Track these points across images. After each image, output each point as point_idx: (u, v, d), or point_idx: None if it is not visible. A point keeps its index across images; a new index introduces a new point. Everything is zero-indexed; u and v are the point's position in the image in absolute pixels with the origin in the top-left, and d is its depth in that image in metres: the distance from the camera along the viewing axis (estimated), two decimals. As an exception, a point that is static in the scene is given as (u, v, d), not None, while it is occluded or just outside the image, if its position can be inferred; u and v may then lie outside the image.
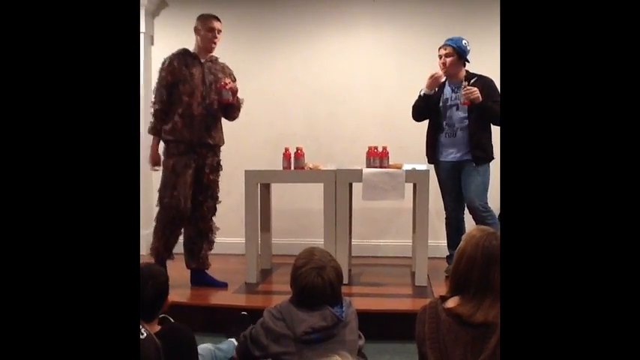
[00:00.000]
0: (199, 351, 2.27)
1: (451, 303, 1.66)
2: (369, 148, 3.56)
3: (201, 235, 3.45)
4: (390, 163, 3.53)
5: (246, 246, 3.59)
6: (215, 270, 3.67)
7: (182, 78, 3.30)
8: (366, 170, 3.46)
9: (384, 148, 3.53)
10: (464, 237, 1.74)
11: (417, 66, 4.46)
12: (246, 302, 3.23)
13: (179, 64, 3.32)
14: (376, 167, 3.49)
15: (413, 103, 3.64)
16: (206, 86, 3.34)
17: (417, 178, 3.45)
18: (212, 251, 3.53)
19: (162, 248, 3.36)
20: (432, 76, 3.50)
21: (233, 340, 2.48)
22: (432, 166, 3.68)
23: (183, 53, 3.38)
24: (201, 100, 3.32)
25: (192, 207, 3.38)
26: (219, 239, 3.55)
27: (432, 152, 3.65)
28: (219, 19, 3.38)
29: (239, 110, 3.50)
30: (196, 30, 3.38)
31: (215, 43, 3.38)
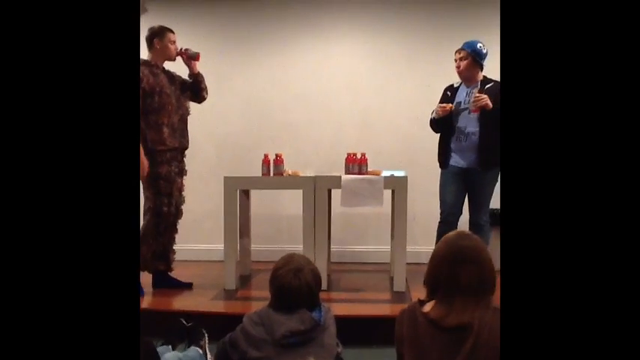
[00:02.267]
0: None
1: (428, 307, 1.67)
2: (348, 154, 3.58)
3: (174, 238, 3.51)
4: (369, 169, 3.55)
5: (225, 252, 3.57)
6: (193, 276, 3.65)
7: (158, 88, 3.34)
8: (345, 177, 3.48)
9: (363, 155, 3.56)
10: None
11: (396, 72, 4.51)
12: (225, 309, 3.22)
13: (149, 73, 3.34)
14: (355, 174, 3.51)
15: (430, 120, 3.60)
16: (176, 92, 3.44)
17: (395, 185, 3.47)
18: (190, 258, 3.50)
19: (150, 255, 3.38)
20: (443, 109, 3.43)
21: (197, 348, 2.47)
22: (404, 171, 3.66)
23: (146, 63, 3.38)
24: (177, 107, 3.43)
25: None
26: (197, 246, 3.54)
27: (444, 157, 3.55)
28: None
29: (205, 87, 3.58)
30: (155, 42, 3.42)
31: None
